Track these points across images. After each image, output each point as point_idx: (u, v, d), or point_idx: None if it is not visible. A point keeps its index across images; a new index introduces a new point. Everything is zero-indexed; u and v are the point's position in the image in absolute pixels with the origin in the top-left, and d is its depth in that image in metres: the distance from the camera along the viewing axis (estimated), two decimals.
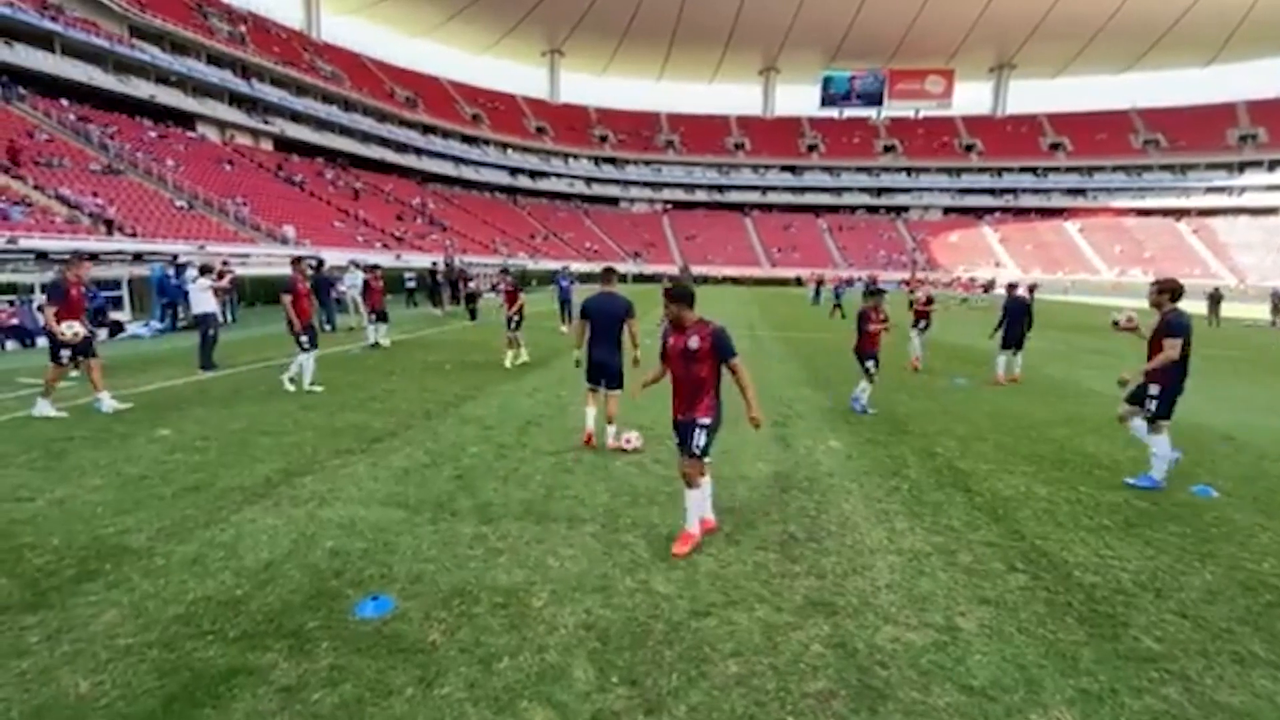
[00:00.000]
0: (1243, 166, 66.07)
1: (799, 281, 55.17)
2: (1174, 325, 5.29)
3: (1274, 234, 60.89)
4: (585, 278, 27.54)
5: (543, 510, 4.69)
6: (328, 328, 16.23)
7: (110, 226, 24.11)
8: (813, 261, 62.76)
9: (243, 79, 47.22)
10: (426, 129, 63.70)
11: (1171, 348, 5.23)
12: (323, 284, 15.73)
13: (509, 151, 71.77)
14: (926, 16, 67.82)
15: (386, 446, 6.20)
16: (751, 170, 78.93)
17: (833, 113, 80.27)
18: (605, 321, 6.18)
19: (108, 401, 7.50)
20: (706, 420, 4.03)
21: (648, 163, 78.65)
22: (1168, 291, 5.42)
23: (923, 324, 12.32)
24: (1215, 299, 25.90)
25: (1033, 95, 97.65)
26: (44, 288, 8.06)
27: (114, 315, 15.57)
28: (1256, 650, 3.10)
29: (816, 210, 76.36)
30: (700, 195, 78.30)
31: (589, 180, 76.57)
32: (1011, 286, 11.50)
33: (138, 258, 18.79)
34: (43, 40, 35.21)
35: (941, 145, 76.89)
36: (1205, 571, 3.93)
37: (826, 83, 77.83)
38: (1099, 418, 7.78)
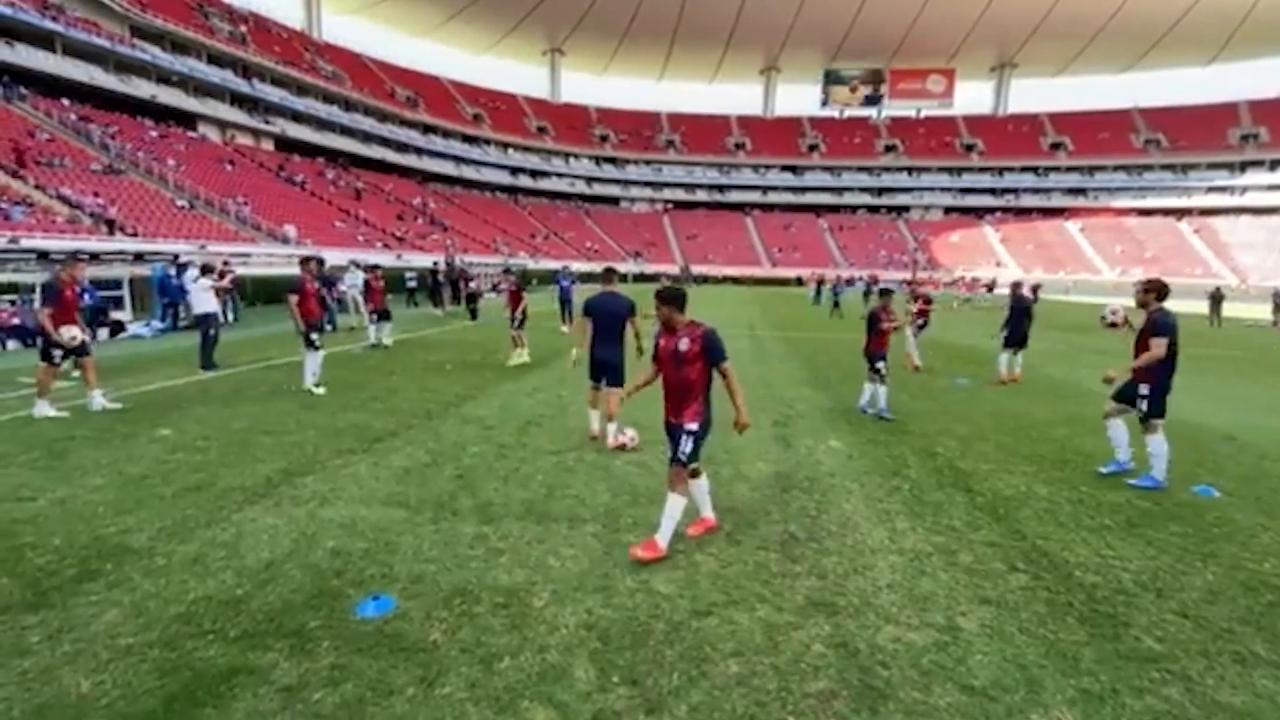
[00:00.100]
0: (1244, 166, 65.99)
1: (800, 281, 55.13)
2: (1160, 324, 5.38)
3: (1276, 234, 60.84)
4: (586, 277, 27.56)
5: (543, 510, 4.69)
6: (329, 328, 16.24)
7: (111, 226, 24.14)
8: (814, 261, 62.72)
9: (244, 79, 47.25)
10: (427, 129, 63.72)
11: (1157, 346, 5.31)
12: (323, 284, 15.72)
13: (510, 151, 71.78)
14: (927, 16, 67.77)
15: (387, 446, 6.21)
16: (752, 170, 78.91)
17: (833, 112, 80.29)
18: (607, 321, 6.31)
19: (98, 400, 7.51)
20: (693, 426, 3.94)
21: (648, 162, 78.65)
22: (1154, 291, 5.53)
23: (921, 321, 12.32)
24: (1217, 299, 25.86)
25: (1034, 95, 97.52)
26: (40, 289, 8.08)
27: (115, 315, 15.58)
28: (1258, 650, 3.10)
29: (817, 210, 76.34)
30: (701, 195, 78.30)
31: (590, 180, 76.58)
32: (1016, 285, 11.53)
33: (139, 257, 18.82)
34: (44, 40, 35.24)
35: (942, 145, 76.85)
36: (1207, 571, 3.92)
37: (828, 76, 77.69)
38: (1100, 418, 7.75)
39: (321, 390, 8.55)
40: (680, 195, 78.23)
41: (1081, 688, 2.79)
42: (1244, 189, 65.35)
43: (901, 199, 76.55)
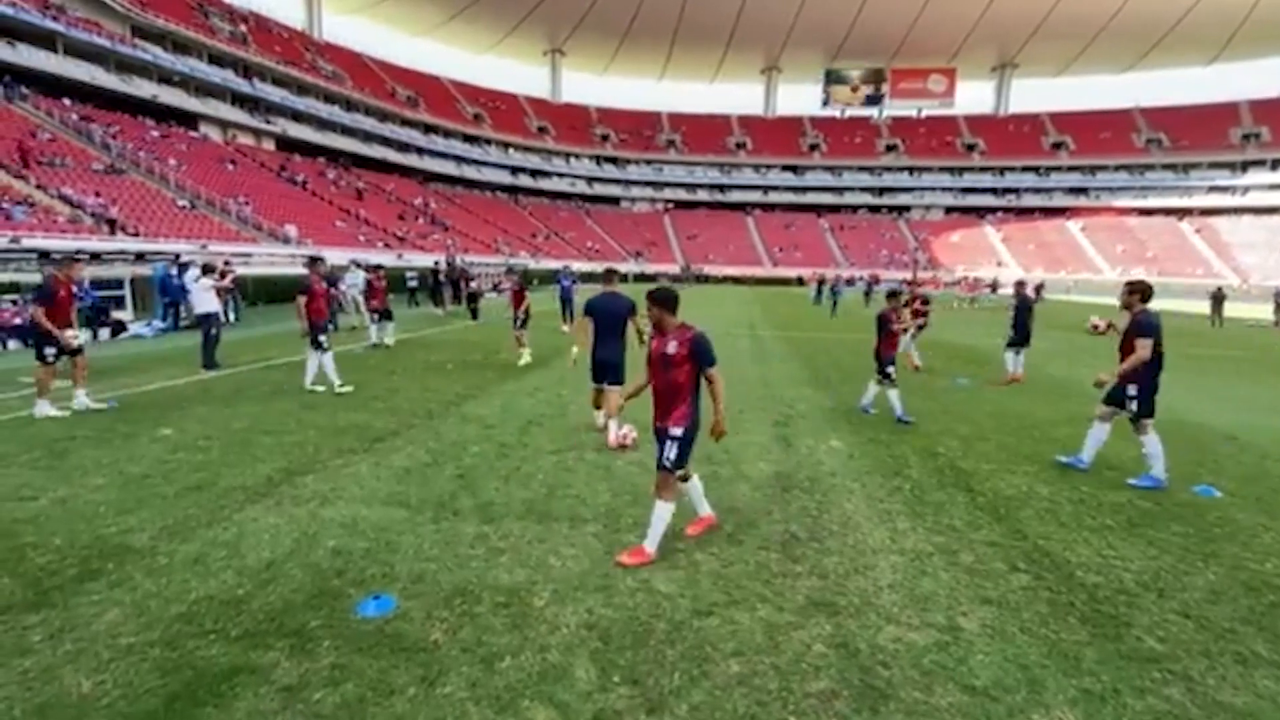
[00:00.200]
0: (1245, 166, 65.90)
1: (800, 281, 55.12)
2: (1144, 325, 5.43)
3: (1277, 233, 60.74)
4: (587, 277, 27.56)
5: (544, 510, 4.69)
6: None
7: (113, 226, 24.16)
8: (814, 261, 62.69)
9: (245, 79, 47.27)
10: (428, 129, 63.74)
11: (1143, 347, 5.35)
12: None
13: (510, 151, 71.78)
14: (928, 16, 67.71)
15: (388, 446, 6.21)
16: (753, 170, 78.89)
17: (834, 112, 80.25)
18: (609, 321, 6.40)
19: (81, 399, 7.48)
20: (678, 431, 3.87)
21: (649, 162, 78.63)
22: (1138, 293, 5.57)
23: (920, 322, 12.29)
24: (1218, 299, 25.83)
25: (1035, 94, 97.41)
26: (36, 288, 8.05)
27: (116, 315, 15.60)
28: (1259, 651, 3.10)
29: (818, 210, 76.30)
30: (702, 195, 78.27)
31: (590, 180, 76.58)
32: (1020, 284, 11.55)
33: (140, 257, 18.82)
34: (45, 40, 35.27)
35: (943, 144, 76.79)
36: (1208, 572, 3.92)
37: (829, 76, 77.65)
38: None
39: (348, 389, 8.55)
40: (681, 195, 78.20)
41: (1083, 688, 2.79)
42: (1245, 189, 65.27)
43: (902, 199, 76.49)
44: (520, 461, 5.80)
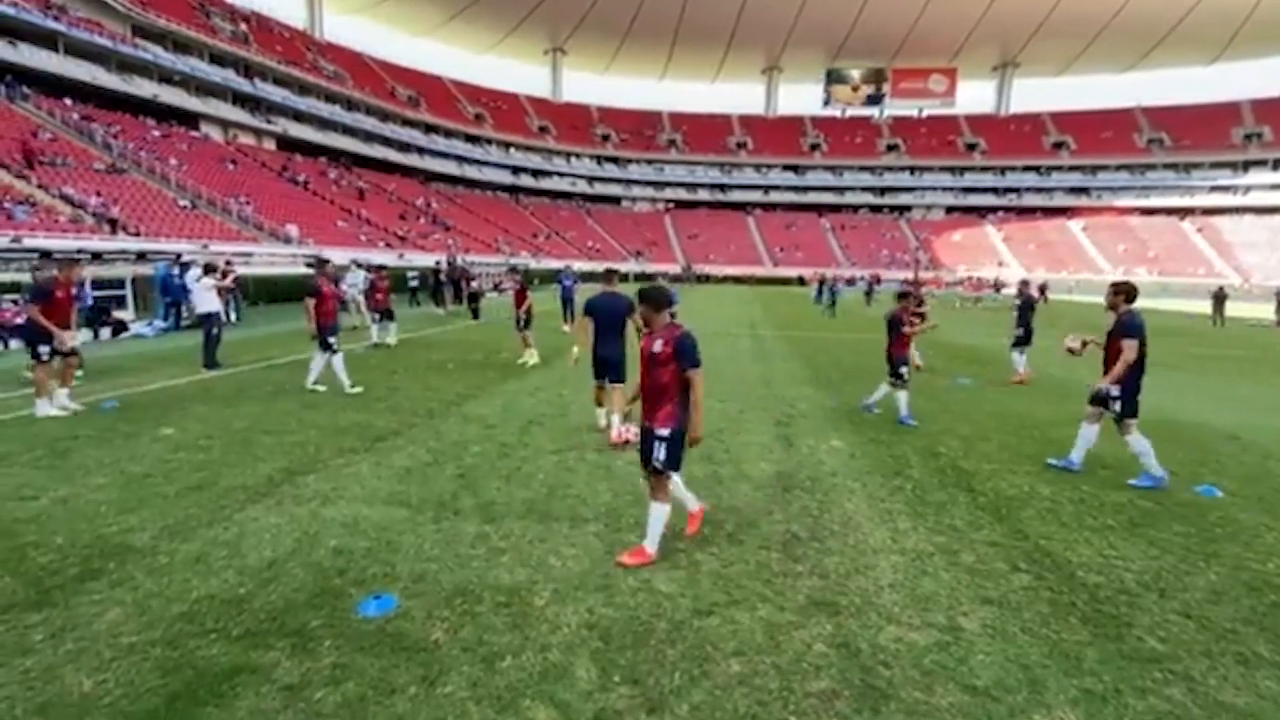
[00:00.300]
0: (1247, 165, 65.84)
1: (801, 281, 55.11)
2: (1129, 326, 5.47)
3: (1278, 233, 60.68)
4: (587, 277, 27.58)
5: (545, 509, 4.69)
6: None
7: (114, 225, 24.18)
8: (815, 261, 62.67)
9: (246, 78, 47.29)
10: (429, 128, 63.76)
11: (1129, 349, 5.39)
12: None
13: (511, 151, 71.80)
14: (929, 15, 67.67)
15: (389, 445, 6.21)
16: (754, 169, 78.87)
17: (835, 112, 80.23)
18: (609, 319, 6.47)
19: (60, 398, 7.42)
20: (665, 431, 3.78)
21: (650, 162, 78.63)
22: (1123, 293, 5.63)
23: (930, 324, 12.26)
24: (1219, 298, 25.79)
25: (1036, 94, 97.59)
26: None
27: (118, 314, 15.61)
28: (1261, 651, 3.09)
29: (819, 209, 76.28)
30: (703, 194, 78.27)
31: (591, 179, 76.58)
32: (1024, 283, 11.56)
33: (141, 257, 18.85)
34: (46, 40, 35.30)
35: (944, 144, 76.75)
36: (1210, 572, 3.91)
37: (830, 75, 77.62)
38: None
39: (358, 390, 8.52)
40: (682, 195, 78.20)
41: (1084, 688, 2.79)
42: (1247, 188, 65.20)
43: (903, 198, 76.46)
44: (521, 461, 5.81)
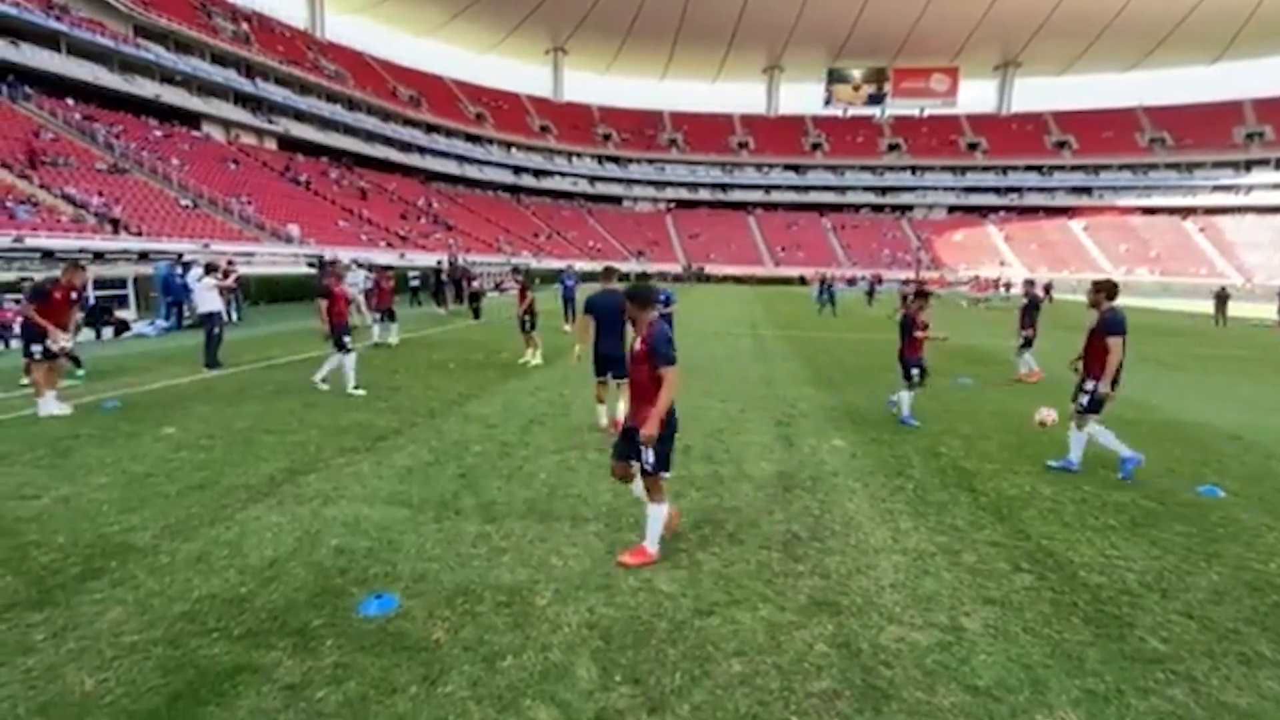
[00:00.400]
0: (1249, 165, 65.72)
1: (803, 280, 55.07)
2: (1112, 323, 5.54)
3: None
4: (588, 276, 27.57)
5: (546, 509, 4.69)
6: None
7: (116, 225, 24.21)
8: (817, 261, 62.59)
9: (247, 78, 47.33)
10: (430, 128, 63.78)
11: (1115, 346, 5.46)
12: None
13: (513, 150, 71.81)
14: (931, 14, 67.60)
15: (390, 445, 6.22)
16: (755, 169, 78.83)
17: (837, 111, 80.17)
18: (609, 317, 6.48)
19: (51, 402, 7.27)
20: (657, 435, 3.73)
21: (651, 161, 78.61)
22: (1104, 291, 5.71)
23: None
24: (1221, 298, 25.73)
25: (1038, 93, 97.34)
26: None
27: (120, 314, 15.63)
28: (1263, 651, 3.09)
29: (820, 209, 76.21)
30: (704, 194, 78.24)
31: (592, 179, 76.57)
32: (1029, 283, 11.55)
33: (143, 256, 18.86)
34: (48, 40, 35.35)
35: (946, 144, 76.66)
36: (1211, 572, 3.91)
37: (831, 75, 77.56)
38: (1104, 418, 7.73)
39: (361, 392, 8.48)
40: (683, 194, 78.18)
41: (1086, 688, 2.78)
42: (1249, 188, 65.08)
43: (905, 198, 76.39)
44: (522, 461, 5.81)
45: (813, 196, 76.90)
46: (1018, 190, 73.34)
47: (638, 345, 3.84)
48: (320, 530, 4.22)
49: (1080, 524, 4.62)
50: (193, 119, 42.94)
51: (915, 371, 7.58)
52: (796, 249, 68.67)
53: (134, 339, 14.52)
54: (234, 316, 17.17)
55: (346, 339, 8.61)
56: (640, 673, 2.82)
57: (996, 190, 73.99)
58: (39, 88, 33.79)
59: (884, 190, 76.72)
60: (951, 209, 75.61)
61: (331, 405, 7.86)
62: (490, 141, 69.85)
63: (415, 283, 26.63)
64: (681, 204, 77.67)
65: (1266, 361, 14.65)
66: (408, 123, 61.50)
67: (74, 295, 7.76)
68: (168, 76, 41.89)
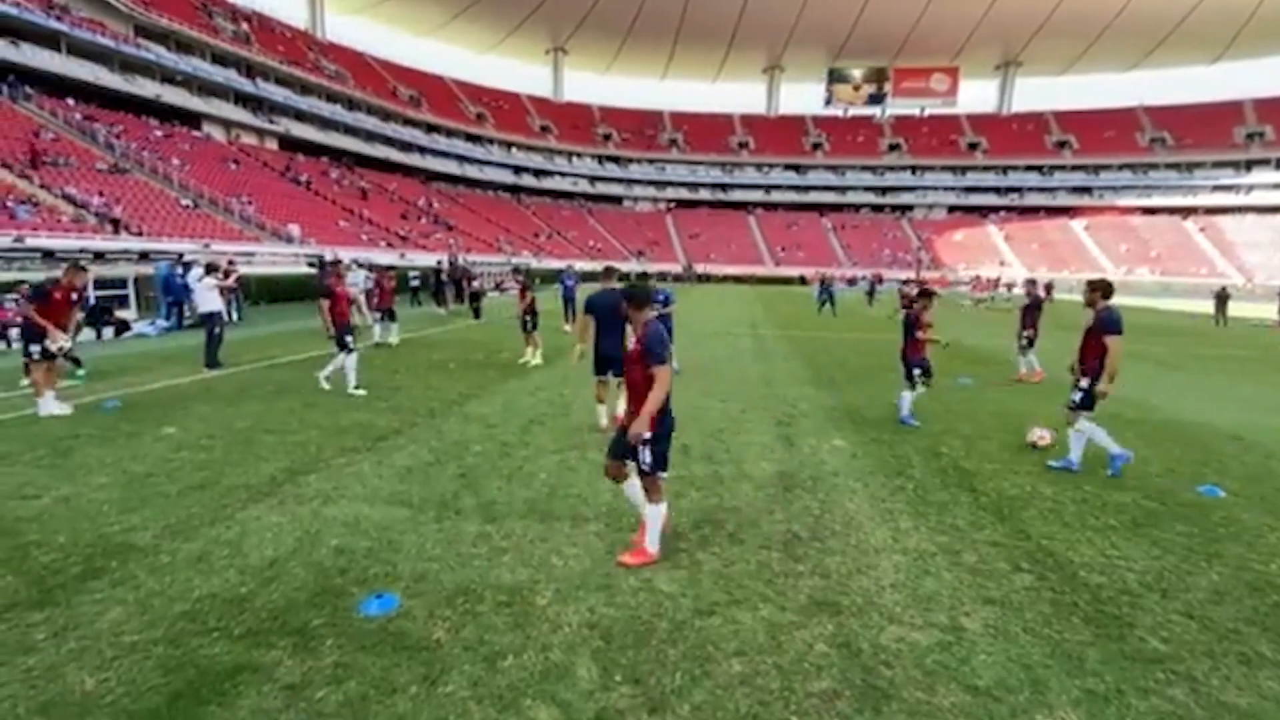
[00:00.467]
0: (1250, 164, 65.66)
1: (803, 280, 55.06)
2: (1111, 322, 5.59)
3: None
4: (588, 276, 27.58)
5: (546, 509, 4.69)
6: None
7: (116, 225, 24.22)
8: (817, 260, 62.57)
9: (248, 78, 47.34)
10: (431, 128, 63.78)
11: (1114, 343, 5.51)
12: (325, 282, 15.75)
13: (513, 150, 71.80)
14: (931, 14, 67.56)
15: (391, 445, 6.22)
16: (755, 169, 78.81)
17: (837, 111, 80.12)
18: (608, 316, 6.51)
19: (51, 402, 7.29)
20: (647, 433, 3.71)
21: (651, 161, 78.58)
22: (1099, 290, 5.77)
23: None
24: (1222, 298, 25.72)
25: (1039, 93, 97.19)
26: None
27: (120, 314, 15.64)
28: (1264, 651, 3.09)
29: (821, 209, 76.18)
30: (704, 194, 78.21)
31: (593, 179, 76.56)
32: (1031, 283, 11.53)
33: (144, 256, 18.87)
34: (49, 40, 35.36)
35: (946, 144, 76.62)
36: (1212, 572, 3.91)
37: (832, 75, 77.54)
38: (1105, 417, 7.73)
39: (362, 392, 8.46)
40: (683, 194, 78.16)
41: (1086, 688, 2.78)
42: (1250, 187, 65.04)
43: (905, 198, 76.35)
44: (522, 461, 5.81)
45: (813, 196, 76.86)
46: (1018, 190, 73.30)
47: (632, 345, 3.84)
48: (321, 530, 4.22)
49: (1081, 524, 4.62)
50: (193, 119, 42.95)
51: (917, 372, 7.55)
52: (797, 249, 68.65)
53: (134, 339, 14.53)
54: (234, 316, 17.18)
55: (348, 339, 8.60)
56: (640, 672, 2.82)
57: (997, 190, 73.95)
58: (39, 88, 33.80)
59: (884, 190, 76.68)
60: (952, 209, 75.56)
61: (332, 405, 7.86)
62: (491, 141, 69.85)
63: (415, 283, 26.64)
64: (682, 204, 77.65)
65: (1267, 361, 14.64)
66: (408, 123, 61.49)
67: (74, 296, 7.73)
68: (168, 76, 41.90)
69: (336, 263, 9.58)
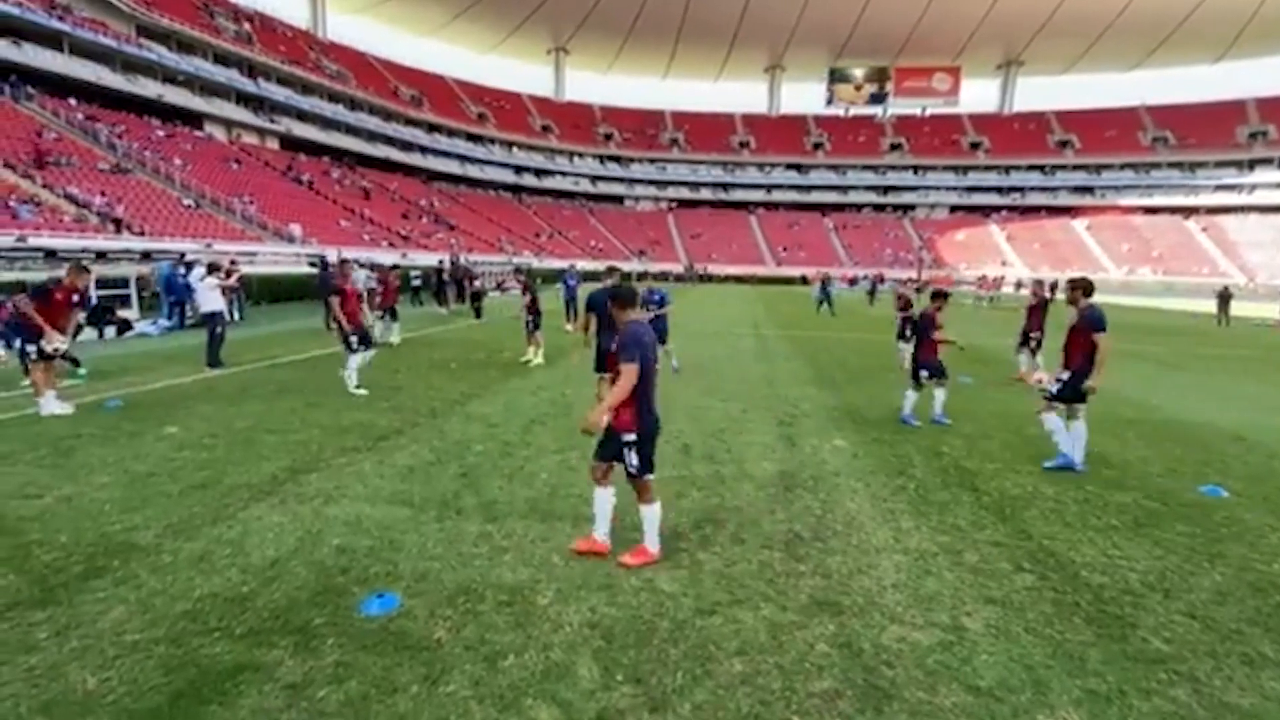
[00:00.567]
0: (1252, 164, 65.52)
1: (804, 280, 55.01)
2: (1095, 320, 5.64)
3: None
4: (590, 276, 27.57)
5: (547, 508, 4.70)
6: (334, 326, 16.28)
7: (118, 225, 24.27)
8: (818, 260, 62.48)
9: (249, 78, 47.39)
10: (432, 128, 63.82)
11: (1104, 340, 5.57)
12: (325, 282, 15.77)
13: (514, 150, 71.82)
14: (933, 13, 67.47)
15: (392, 444, 6.22)
16: (757, 169, 78.77)
17: (838, 111, 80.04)
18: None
19: (52, 402, 7.28)
20: (631, 435, 3.69)
21: (653, 161, 78.56)
22: (1080, 288, 5.86)
23: (909, 332, 11.28)
24: (1224, 298, 25.66)
25: (1040, 92, 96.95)
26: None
27: (122, 313, 15.66)
28: (1266, 652, 3.08)
29: (822, 209, 76.13)
30: (705, 194, 78.18)
31: (594, 179, 76.56)
32: (1038, 283, 11.48)
33: (146, 256, 18.89)
34: (51, 40, 35.43)
35: (948, 143, 76.53)
36: (1214, 572, 3.90)
37: (833, 74, 77.49)
38: (1106, 417, 7.73)
39: (363, 392, 8.45)
40: (685, 194, 78.14)
41: (1088, 688, 2.78)
42: (1252, 187, 64.90)
43: (907, 197, 76.26)
44: (524, 460, 5.81)
45: (814, 196, 76.81)
46: (1020, 190, 73.21)
47: (613, 345, 3.85)
48: (322, 529, 4.22)
49: (1082, 524, 4.61)
50: (195, 119, 43.02)
51: (924, 374, 7.49)
52: (798, 249, 68.61)
53: (136, 338, 14.54)
54: (236, 316, 17.19)
55: (353, 339, 8.60)
56: (642, 672, 2.82)
57: (999, 190, 73.85)
58: (42, 88, 33.85)
59: (886, 190, 76.60)
60: (954, 208, 75.47)
61: (333, 405, 7.86)
62: (492, 141, 69.88)
63: (417, 282, 26.65)
64: (683, 203, 77.63)
65: (1269, 361, 14.62)
66: (410, 122, 61.54)
67: (75, 297, 7.71)
68: (170, 76, 41.96)
69: (344, 262, 9.57)
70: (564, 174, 74.76)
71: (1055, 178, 72.63)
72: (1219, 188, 66.29)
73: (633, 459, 3.74)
